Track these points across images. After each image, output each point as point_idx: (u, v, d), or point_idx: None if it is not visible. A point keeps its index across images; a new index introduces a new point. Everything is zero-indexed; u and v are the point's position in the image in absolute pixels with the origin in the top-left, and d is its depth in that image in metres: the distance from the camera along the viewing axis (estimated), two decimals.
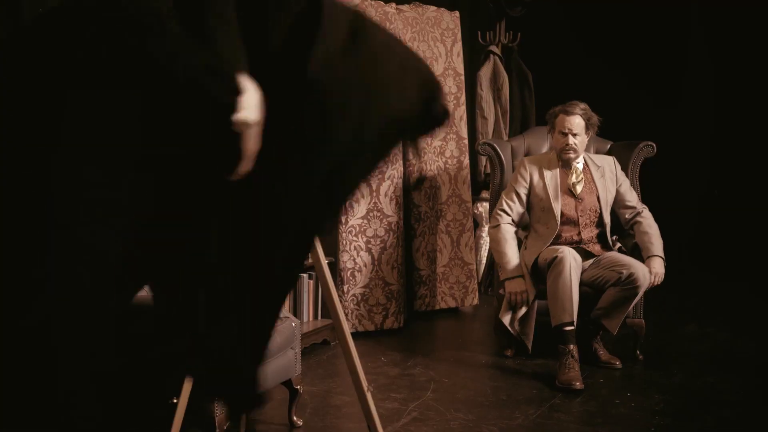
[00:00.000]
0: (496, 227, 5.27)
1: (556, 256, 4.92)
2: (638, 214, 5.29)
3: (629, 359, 5.24)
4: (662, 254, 5.13)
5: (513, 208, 5.27)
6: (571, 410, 4.46)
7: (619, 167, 5.37)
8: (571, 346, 4.87)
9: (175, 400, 2.69)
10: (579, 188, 5.22)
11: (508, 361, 5.30)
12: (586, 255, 5.14)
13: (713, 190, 7.87)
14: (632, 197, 5.33)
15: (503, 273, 5.19)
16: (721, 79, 7.85)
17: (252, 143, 2.00)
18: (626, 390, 4.76)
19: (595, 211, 5.23)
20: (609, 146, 5.69)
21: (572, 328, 4.88)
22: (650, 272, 5.02)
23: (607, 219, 5.25)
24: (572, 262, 4.89)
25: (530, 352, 5.16)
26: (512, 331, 5.13)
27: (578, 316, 4.95)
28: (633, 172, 5.50)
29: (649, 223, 5.25)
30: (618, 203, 5.32)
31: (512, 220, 5.27)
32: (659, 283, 5.08)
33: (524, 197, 5.28)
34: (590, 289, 5.11)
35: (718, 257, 7.71)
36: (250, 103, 1.97)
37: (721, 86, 7.85)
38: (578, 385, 4.74)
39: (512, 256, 5.19)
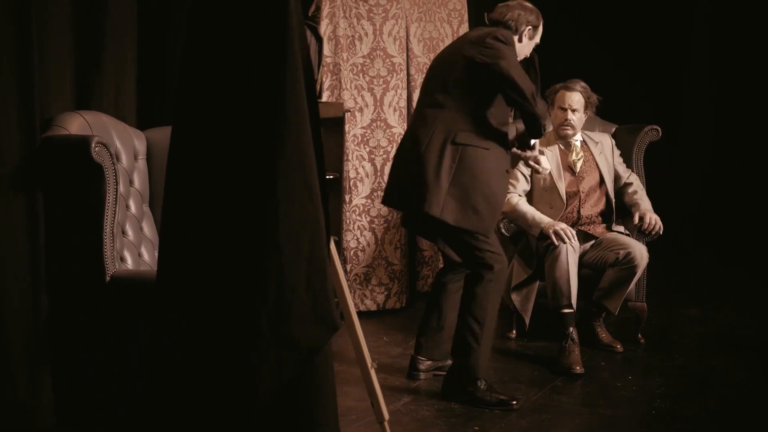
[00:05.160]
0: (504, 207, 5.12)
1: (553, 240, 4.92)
2: (627, 178, 5.32)
3: (631, 342, 5.24)
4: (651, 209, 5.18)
5: (517, 185, 5.19)
6: (573, 392, 4.47)
7: (614, 142, 5.39)
8: (571, 329, 4.86)
9: None
10: (579, 165, 5.21)
11: (510, 342, 5.31)
12: (586, 237, 5.14)
13: (717, 174, 7.85)
14: (623, 170, 5.35)
15: (536, 227, 5.00)
16: (723, 61, 7.82)
17: None
18: (628, 373, 4.77)
19: (596, 189, 5.21)
20: (614, 129, 5.67)
21: (571, 311, 4.87)
22: (646, 219, 5.06)
23: (612, 195, 5.24)
24: (569, 245, 4.89)
25: (527, 329, 5.15)
26: (516, 305, 5.10)
27: (581, 298, 4.95)
28: (638, 156, 5.48)
29: (637, 184, 5.31)
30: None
31: (518, 195, 5.17)
32: (660, 228, 5.08)
33: (527, 176, 5.22)
34: (591, 270, 5.11)
35: (721, 240, 7.70)
36: None
37: (723, 67, 7.83)
38: (578, 369, 4.73)
39: (534, 211, 5.07)
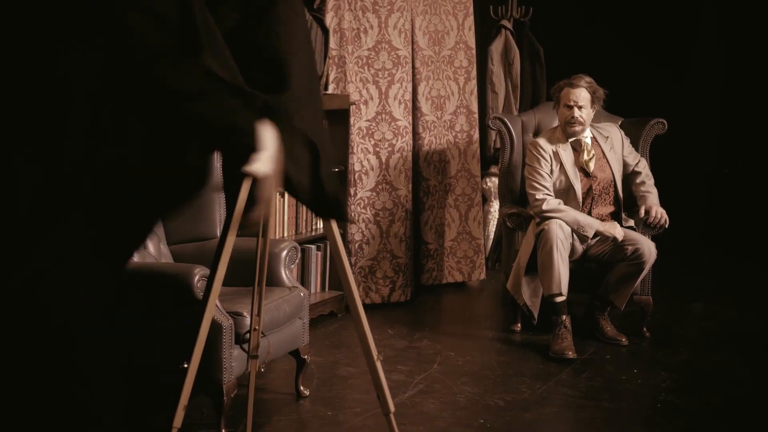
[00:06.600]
0: (545, 207, 5.04)
1: (543, 229, 4.93)
2: (635, 166, 5.30)
3: (636, 336, 5.24)
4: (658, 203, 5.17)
5: (545, 184, 5.11)
6: (578, 385, 4.47)
7: (623, 132, 5.36)
8: (563, 317, 4.92)
9: (186, 365, 2.69)
10: (592, 165, 5.17)
11: (515, 335, 5.31)
12: (594, 234, 5.12)
13: (723, 169, 7.85)
14: (632, 158, 5.32)
15: (590, 229, 5.01)
16: (731, 55, 7.82)
17: (267, 191, 2.31)
18: (633, 366, 4.77)
19: (608, 188, 5.19)
20: (620, 123, 5.66)
21: (562, 299, 4.92)
22: (651, 213, 5.08)
23: (621, 194, 5.22)
24: (558, 232, 4.89)
25: (536, 323, 5.16)
26: (526, 301, 5.09)
27: (587, 292, 4.97)
28: (643, 149, 5.48)
29: (646, 173, 5.29)
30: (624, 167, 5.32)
31: (552, 193, 5.12)
32: (666, 221, 5.10)
33: (549, 172, 5.14)
34: (597, 264, 5.12)
35: (726, 234, 7.69)
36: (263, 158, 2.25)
37: (731, 62, 7.83)
38: (570, 354, 4.77)
39: (581, 215, 5.05)
